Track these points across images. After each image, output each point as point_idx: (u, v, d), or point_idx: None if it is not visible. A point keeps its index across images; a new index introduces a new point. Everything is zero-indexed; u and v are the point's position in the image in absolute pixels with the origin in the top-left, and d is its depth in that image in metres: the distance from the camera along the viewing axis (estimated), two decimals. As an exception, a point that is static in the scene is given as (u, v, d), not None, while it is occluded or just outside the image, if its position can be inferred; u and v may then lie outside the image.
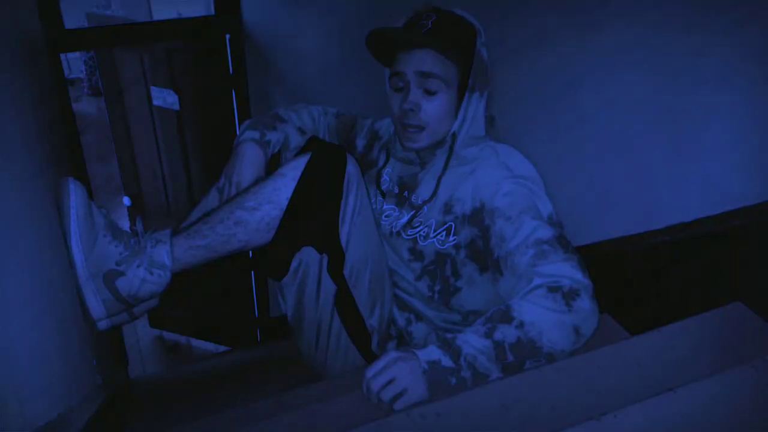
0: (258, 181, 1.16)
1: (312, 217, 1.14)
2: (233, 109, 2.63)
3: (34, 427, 0.84)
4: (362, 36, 1.15)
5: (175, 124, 2.80)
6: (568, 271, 0.99)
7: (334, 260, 1.18)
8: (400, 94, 1.15)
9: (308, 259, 1.17)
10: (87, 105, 6.02)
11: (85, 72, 6.14)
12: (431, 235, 1.19)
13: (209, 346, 3.37)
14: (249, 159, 1.21)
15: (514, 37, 1.75)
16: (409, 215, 1.22)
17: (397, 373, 0.91)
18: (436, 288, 1.22)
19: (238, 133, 1.29)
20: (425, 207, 1.20)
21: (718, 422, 0.80)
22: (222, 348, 3.28)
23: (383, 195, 1.27)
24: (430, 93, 1.12)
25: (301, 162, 1.13)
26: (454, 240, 1.17)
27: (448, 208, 1.17)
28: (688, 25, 1.44)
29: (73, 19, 2.58)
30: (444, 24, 1.11)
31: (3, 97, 0.95)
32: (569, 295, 0.96)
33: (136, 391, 2.28)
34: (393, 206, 1.25)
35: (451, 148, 1.17)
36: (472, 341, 0.94)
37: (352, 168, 1.16)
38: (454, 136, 1.16)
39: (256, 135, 1.23)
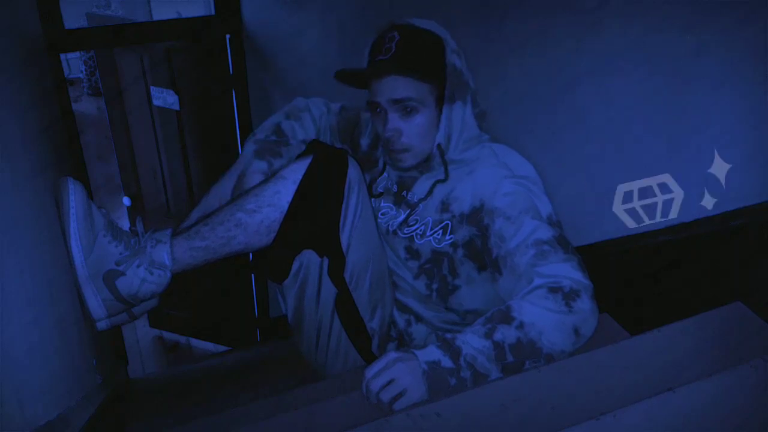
0: (259, 183, 1.16)
1: (313, 220, 1.13)
2: (233, 109, 2.63)
3: (34, 427, 0.84)
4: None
5: (175, 124, 2.79)
6: (568, 272, 0.99)
7: (335, 263, 1.17)
8: (378, 119, 1.16)
9: (309, 262, 1.17)
10: (87, 105, 6.01)
11: (85, 72, 6.13)
12: (428, 233, 1.19)
13: (209, 346, 3.36)
14: None
15: (514, 37, 1.76)
16: (405, 213, 1.22)
17: (397, 374, 0.91)
18: (434, 286, 1.22)
19: (240, 149, 1.26)
20: (420, 205, 1.20)
21: (718, 422, 0.80)
22: (222, 348, 3.28)
23: (380, 194, 1.27)
24: (407, 114, 1.12)
25: (303, 165, 1.13)
26: (451, 239, 1.17)
27: (445, 207, 1.17)
28: (688, 25, 1.44)
29: (73, 19, 2.58)
30: (408, 44, 1.09)
31: (3, 97, 0.95)
32: (570, 296, 0.96)
33: (136, 391, 2.29)
34: (390, 204, 1.26)
35: (443, 159, 1.17)
36: (472, 342, 0.94)
37: (353, 172, 1.15)
38: (440, 147, 1.16)
39: (265, 167, 1.21)
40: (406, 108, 1.11)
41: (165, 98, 2.73)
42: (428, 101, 1.12)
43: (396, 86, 1.10)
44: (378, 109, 1.14)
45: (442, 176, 1.18)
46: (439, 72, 1.11)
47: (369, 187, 1.28)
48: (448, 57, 1.11)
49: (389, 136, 1.13)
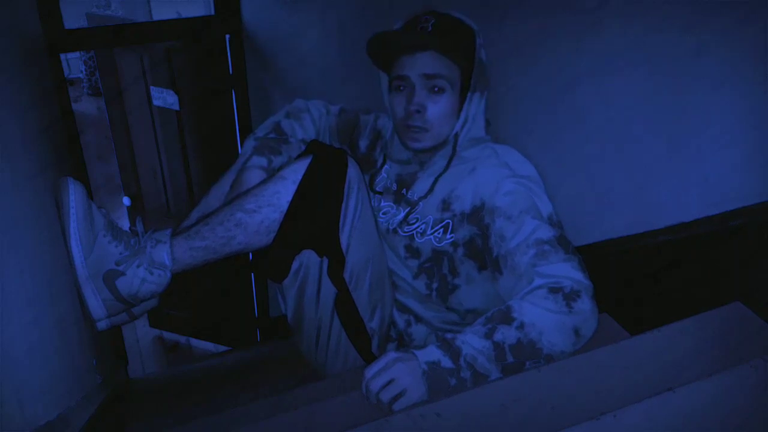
0: (259, 183, 1.16)
1: (312, 220, 1.13)
2: (233, 109, 2.63)
3: (34, 427, 0.84)
4: (362, 36, 1.15)
5: (175, 124, 2.80)
6: (568, 272, 0.99)
7: (335, 263, 1.17)
8: (402, 95, 1.15)
9: (308, 261, 1.17)
10: (87, 105, 6.01)
11: (85, 72, 6.14)
12: (428, 232, 1.19)
13: (209, 346, 3.37)
14: None
15: (514, 37, 1.75)
16: (405, 212, 1.22)
17: (397, 374, 0.91)
18: (434, 286, 1.22)
19: (240, 149, 1.26)
20: (420, 203, 1.20)
21: (717, 422, 0.80)
22: (222, 348, 3.28)
23: (379, 194, 1.27)
24: (436, 92, 1.13)
25: (302, 165, 1.13)
26: (452, 238, 1.17)
27: (446, 206, 1.17)
28: (688, 25, 1.44)
29: (73, 19, 2.58)
30: (444, 26, 1.12)
31: (3, 97, 0.95)
32: (570, 296, 0.96)
33: (136, 391, 2.29)
34: (390, 203, 1.26)
35: (453, 149, 1.17)
36: (472, 342, 0.94)
37: (353, 172, 1.16)
38: (456, 136, 1.16)
39: (264, 162, 1.20)
40: (435, 86, 1.12)
41: (165, 98, 2.73)
42: (455, 84, 1.14)
43: (430, 62, 1.12)
44: (403, 86, 1.15)
45: (441, 169, 1.18)
46: (468, 59, 1.14)
47: (368, 188, 1.28)
48: (477, 48, 1.14)
49: (414, 110, 1.14)
